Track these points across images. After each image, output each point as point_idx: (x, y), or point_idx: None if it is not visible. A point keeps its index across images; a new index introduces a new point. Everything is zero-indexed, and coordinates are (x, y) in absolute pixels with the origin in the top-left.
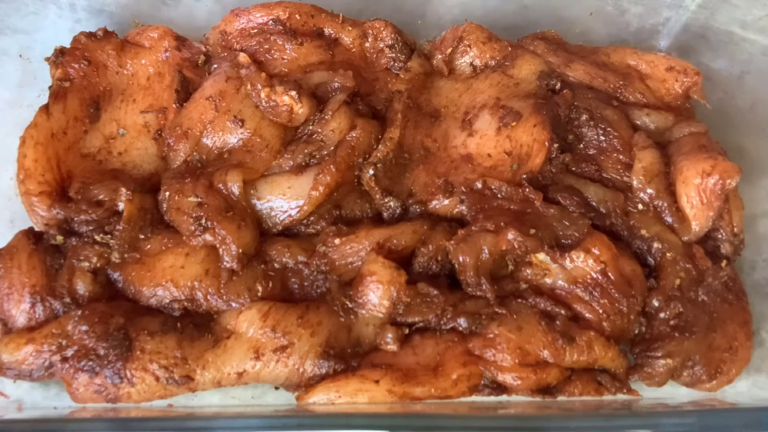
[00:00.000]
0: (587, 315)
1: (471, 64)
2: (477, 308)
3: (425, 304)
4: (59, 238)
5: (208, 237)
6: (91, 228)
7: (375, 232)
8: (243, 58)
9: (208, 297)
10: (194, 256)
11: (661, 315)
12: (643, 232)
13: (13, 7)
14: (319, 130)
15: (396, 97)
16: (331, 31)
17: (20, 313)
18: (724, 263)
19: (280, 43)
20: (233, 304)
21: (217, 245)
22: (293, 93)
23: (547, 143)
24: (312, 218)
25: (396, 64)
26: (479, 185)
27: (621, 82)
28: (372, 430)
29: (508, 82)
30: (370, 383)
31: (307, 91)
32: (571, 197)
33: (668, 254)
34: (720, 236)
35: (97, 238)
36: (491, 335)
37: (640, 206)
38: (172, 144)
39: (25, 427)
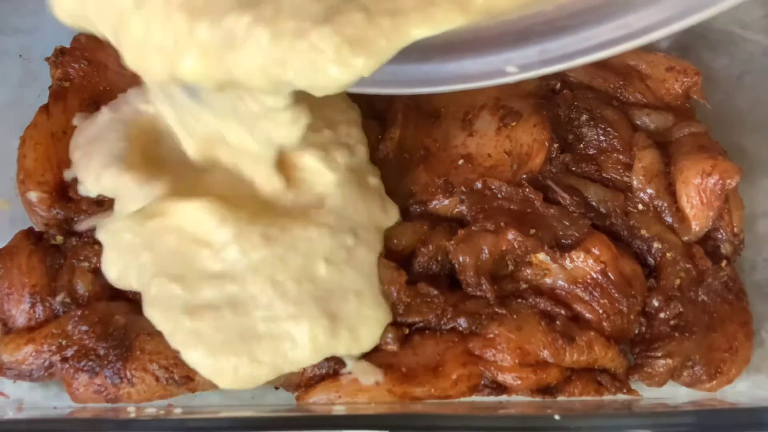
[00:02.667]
0: (587, 315)
1: None
2: (477, 308)
3: (425, 304)
4: (59, 238)
5: None
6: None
7: None
8: None
9: None
10: None
11: (661, 315)
12: (643, 232)
13: (13, 7)
14: None
15: (396, 97)
16: None
17: (20, 313)
18: (724, 263)
19: None
20: None
21: None
22: None
23: (547, 143)
24: None
25: None
26: (479, 185)
27: (621, 82)
28: (372, 430)
29: None
30: (370, 383)
31: None
32: (571, 197)
33: (668, 254)
34: (720, 236)
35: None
36: (491, 335)
37: (640, 206)
38: None
39: (25, 427)
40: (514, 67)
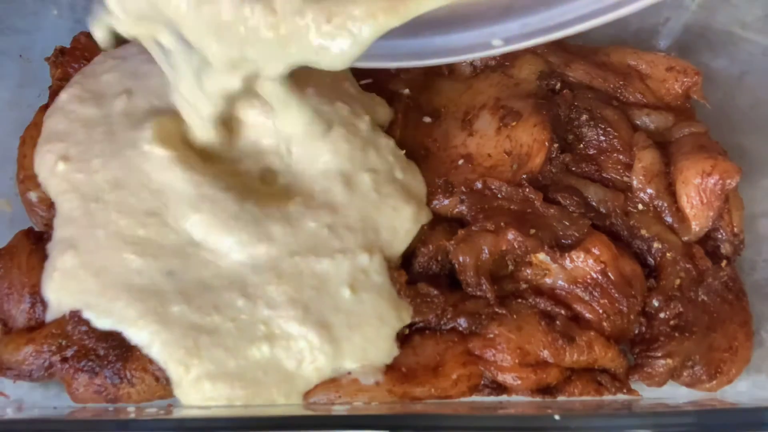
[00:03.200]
0: (587, 315)
1: (471, 63)
2: (477, 308)
3: (425, 304)
4: None
5: None
6: None
7: None
8: None
9: None
10: None
11: (661, 315)
12: (643, 232)
13: (13, 7)
14: None
15: (396, 97)
16: None
17: (20, 313)
18: (724, 263)
19: None
20: None
21: None
22: None
23: (547, 143)
24: None
25: None
26: (479, 185)
27: (621, 82)
28: (372, 430)
29: (508, 82)
30: (370, 383)
31: None
32: (571, 197)
33: (668, 254)
34: (720, 236)
35: None
36: (491, 335)
37: (640, 206)
38: None
39: (25, 427)
40: (499, 40)
